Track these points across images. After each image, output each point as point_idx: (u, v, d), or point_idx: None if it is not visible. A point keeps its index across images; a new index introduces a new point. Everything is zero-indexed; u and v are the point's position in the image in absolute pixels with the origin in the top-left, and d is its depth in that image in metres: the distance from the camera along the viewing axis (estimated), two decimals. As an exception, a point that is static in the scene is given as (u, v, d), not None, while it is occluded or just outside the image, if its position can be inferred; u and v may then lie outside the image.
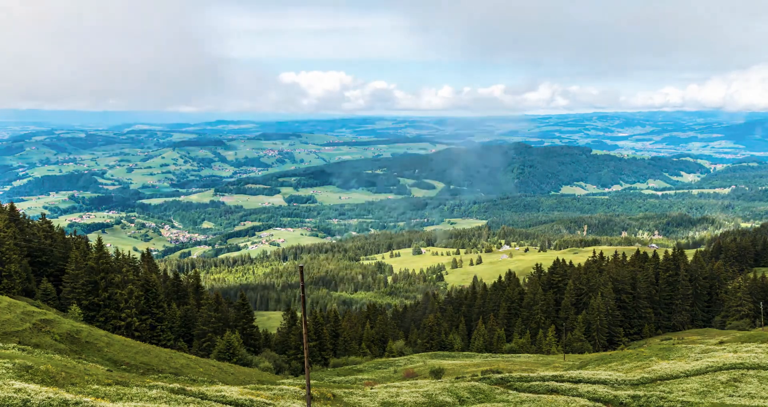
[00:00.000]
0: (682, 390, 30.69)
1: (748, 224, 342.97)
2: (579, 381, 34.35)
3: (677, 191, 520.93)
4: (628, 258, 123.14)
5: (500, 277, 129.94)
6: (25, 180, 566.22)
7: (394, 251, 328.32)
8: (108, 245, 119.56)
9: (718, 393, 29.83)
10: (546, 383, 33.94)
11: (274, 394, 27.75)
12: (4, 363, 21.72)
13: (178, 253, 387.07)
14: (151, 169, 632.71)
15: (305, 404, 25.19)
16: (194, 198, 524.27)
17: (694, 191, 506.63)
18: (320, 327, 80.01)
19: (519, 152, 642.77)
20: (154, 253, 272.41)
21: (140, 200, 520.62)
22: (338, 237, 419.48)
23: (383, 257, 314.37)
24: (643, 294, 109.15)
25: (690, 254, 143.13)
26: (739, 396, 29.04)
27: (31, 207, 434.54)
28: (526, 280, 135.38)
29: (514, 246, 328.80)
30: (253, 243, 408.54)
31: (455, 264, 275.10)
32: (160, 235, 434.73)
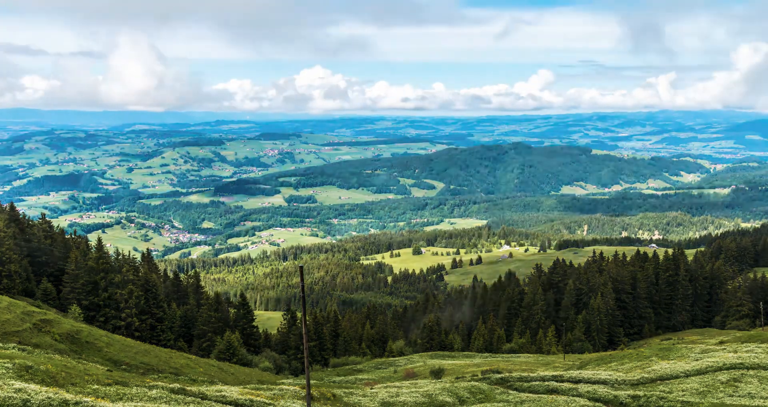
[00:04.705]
0: (682, 390, 30.68)
1: (748, 224, 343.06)
2: (579, 381, 34.35)
3: (677, 191, 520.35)
4: (628, 258, 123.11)
5: (500, 277, 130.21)
6: (25, 180, 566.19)
7: (394, 251, 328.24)
8: (108, 245, 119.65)
9: (718, 393, 29.82)
10: (546, 383, 33.94)
11: (274, 394, 27.75)
12: (4, 363, 21.72)
13: (178, 253, 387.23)
14: (151, 169, 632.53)
15: (305, 404, 25.18)
16: (194, 198, 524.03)
17: (694, 191, 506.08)
18: (320, 327, 79.98)
19: (519, 152, 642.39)
20: (154, 253, 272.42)
21: (140, 200, 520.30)
22: (338, 237, 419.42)
23: (383, 257, 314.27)
24: (643, 294, 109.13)
25: (690, 254, 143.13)
26: (739, 396, 29.02)
27: (31, 207, 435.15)
28: (526, 280, 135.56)
29: (514, 246, 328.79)
30: (253, 243, 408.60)
31: (455, 264, 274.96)
32: (160, 235, 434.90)
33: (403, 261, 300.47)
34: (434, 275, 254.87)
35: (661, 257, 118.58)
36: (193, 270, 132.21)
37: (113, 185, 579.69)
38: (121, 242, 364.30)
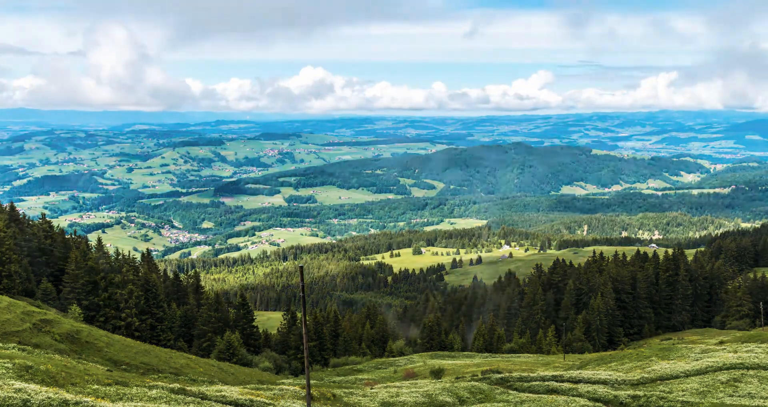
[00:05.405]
0: (682, 390, 30.69)
1: (748, 224, 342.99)
2: (579, 381, 34.35)
3: (677, 191, 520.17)
4: (628, 258, 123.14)
5: (500, 277, 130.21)
6: (25, 180, 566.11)
7: (394, 251, 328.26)
8: (108, 245, 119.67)
9: (718, 393, 29.82)
10: (546, 383, 33.94)
11: (274, 394, 27.75)
12: (4, 363, 21.72)
13: (178, 253, 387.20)
14: (151, 169, 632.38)
15: (305, 404, 25.18)
16: (194, 198, 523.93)
17: (694, 191, 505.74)
18: (320, 327, 79.99)
19: (519, 152, 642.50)
20: (154, 253, 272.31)
21: (140, 200, 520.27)
22: (338, 237, 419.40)
23: (383, 257, 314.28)
24: (643, 294, 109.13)
25: (690, 254, 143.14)
26: (739, 396, 29.02)
27: (31, 207, 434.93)
28: (526, 280, 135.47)
29: (514, 246, 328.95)
30: (253, 243, 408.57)
31: (455, 264, 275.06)
32: (160, 235, 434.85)
33: (403, 261, 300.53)
34: (434, 275, 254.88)
35: (661, 257, 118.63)
36: (193, 270, 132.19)
37: (113, 185, 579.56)
38: (121, 242, 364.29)
